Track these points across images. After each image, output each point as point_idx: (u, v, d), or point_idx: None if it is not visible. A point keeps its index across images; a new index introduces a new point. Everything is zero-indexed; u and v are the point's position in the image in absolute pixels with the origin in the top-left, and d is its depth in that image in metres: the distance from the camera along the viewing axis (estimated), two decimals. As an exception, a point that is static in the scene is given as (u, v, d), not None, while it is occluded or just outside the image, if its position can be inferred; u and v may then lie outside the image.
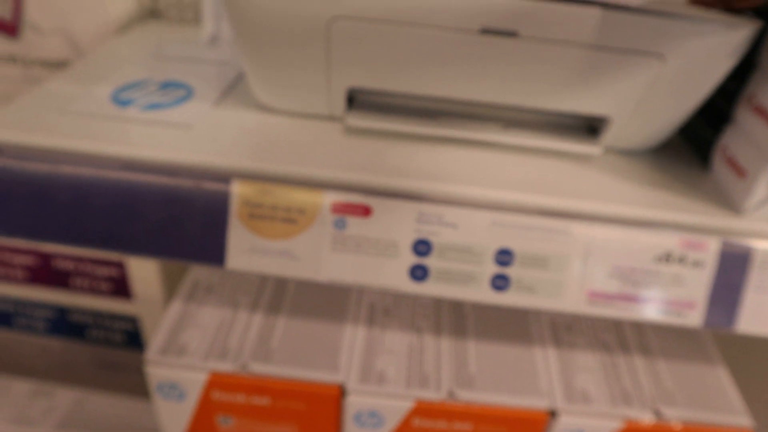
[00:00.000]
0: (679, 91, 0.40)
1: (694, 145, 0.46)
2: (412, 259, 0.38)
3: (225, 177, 0.39)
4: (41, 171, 0.39)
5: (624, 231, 0.38)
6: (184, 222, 0.39)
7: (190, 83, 0.49)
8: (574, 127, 0.45)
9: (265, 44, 0.40)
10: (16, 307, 0.83)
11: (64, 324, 0.84)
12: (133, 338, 0.84)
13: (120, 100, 0.45)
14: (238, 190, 0.38)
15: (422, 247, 0.38)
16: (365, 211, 0.38)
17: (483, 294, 0.39)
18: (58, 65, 0.64)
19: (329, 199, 0.38)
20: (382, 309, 0.51)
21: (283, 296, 0.51)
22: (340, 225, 0.38)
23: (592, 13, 0.36)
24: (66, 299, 0.80)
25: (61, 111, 0.43)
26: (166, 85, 0.48)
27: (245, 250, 0.39)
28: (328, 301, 0.51)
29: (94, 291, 0.78)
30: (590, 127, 0.45)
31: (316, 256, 0.39)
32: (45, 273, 0.78)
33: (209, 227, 0.39)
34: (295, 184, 0.38)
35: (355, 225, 0.38)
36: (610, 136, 0.43)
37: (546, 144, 0.42)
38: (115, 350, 0.86)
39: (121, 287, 0.77)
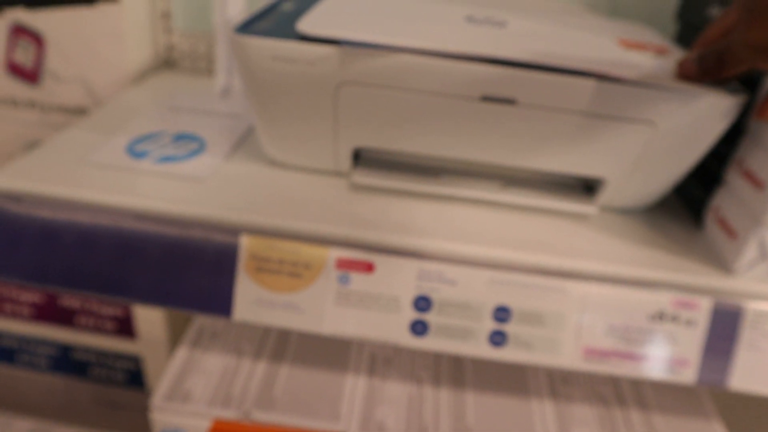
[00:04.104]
0: (670, 156, 0.41)
1: (687, 204, 0.48)
2: (412, 315, 0.39)
3: (234, 231, 0.40)
4: (57, 220, 0.41)
5: (618, 290, 0.39)
6: (193, 274, 0.41)
7: (203, 136, 0.51)
8: (571, 186, 0.46)
9: (275, 105, 0.42)
10: (20, 343, 0.84)
11: (67, 362, 0.84)
12: (135, 378, 0.84)
13: (135, 152, 0.47)
14: (246, 244, 0.40)
15: (422, 303, 0.39)
16: (368, 268, 0.39)
17: (481, 349, 0.40)
18: (75, 112, 0.66)
19: (334, 255, 0.39)
20: (382, 359, 0.52)
21: (286, 344, 0.52)
22: (343, 280, 0.39)
23: (587, 83, 0.38)
24: (70, 337, 0.81)
25: (78, 162, 0.45)
26: (180, 138, 0.50)
27: (252, 303, 0.40)
28: (330, 351, 0.52)
29: (98, 329, 0.79)
30: (587, 186, 0.47)
31: (320, 310, 0.40)
32: (50, 310, 0.79)
33: (217, 279, 0.40)
34: (301, 240, 0.40)
35: (359, 281, 0.39)
36: (605, 195, 0.44)
37: (543, 203, 0.44)
38: (116, 389, 0.86)
39: (125, 327, 0.78)
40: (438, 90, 0.39)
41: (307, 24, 0.39)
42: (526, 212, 0.44)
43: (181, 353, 0.50)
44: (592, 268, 0.40)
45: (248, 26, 0.41)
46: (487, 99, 0.39)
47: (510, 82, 0.38)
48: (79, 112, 0.66)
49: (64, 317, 0.79)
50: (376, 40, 0.37)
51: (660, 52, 0.43)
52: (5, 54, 0.64)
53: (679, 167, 0.42)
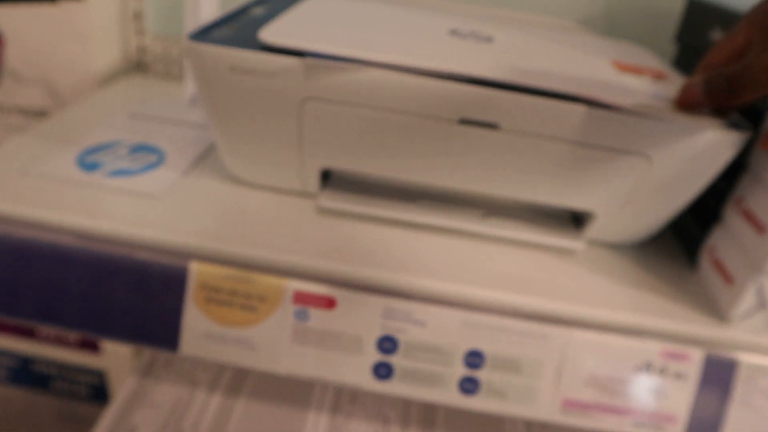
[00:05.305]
0: (665, 191, 0.38)
1: (681, 239, 0.45)
2: (376, 357, 0.36)
3: (183, 257, 0.36)
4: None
5: (603, 336, 0.36)
6: (136, 302, 0.37)
7: (163, 148, 0.47)
8: (557, 217, 0.43)
9: (234, 120, 0.38)
10: (-22, 354, 0.80)
11: (28, 374, 0.81)
12: (99, 392, 0.80)
13: (86, 163, 0.44)
14: (196, 272, 0.36)
15: (388, 344, 0.36)
16: (329, 303, 0.35)
17: (451, 397, 0.36)
18: (36, 114, 0.63)
19: (292, 287, 0.36)
20: (348, 396, 0.48)
21: (245, 376, 0.49)
22: (301, 316, 0.36)
23: (576, 109, 0.34)
24: (31, 348, 0.77)
25: (22, 172, 0.41)
26: (138, 149, 0.46)
27: (200, 337, 0.37)
28: (292, 385, 0.48)
29: (61, 342, 0.75)
30: (575, 218, 0.43)
31: (275, 348, 0.36)
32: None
33: (163, 309, 0.37)
34: (257, 270, 0.36)
35: (318, 317, 0.36)
36: (594, 229, 0.41)
37: (526, 237, 0.40)
38: (79, 404, 0.82)
39: (89, 340, 0.74)
40: (412, 110, 0.35)
41: (269, 32, 0.35)
42: (506, 245, 0.41)
43: (130, 383, 0.46)
44: (574, 312, 0.36)
45: (207, 32, 0.37)
46: (467, 122, 0.35)
47: (492, 104, 0.34)
48: (40, 114, 0.62)
49: (25, 328, 0.75)
50: (344, 52, 0.33)
51: (657, 76, 0.40)
52: (-36, 50, 0.61)
53: (674, 203, 0.39)
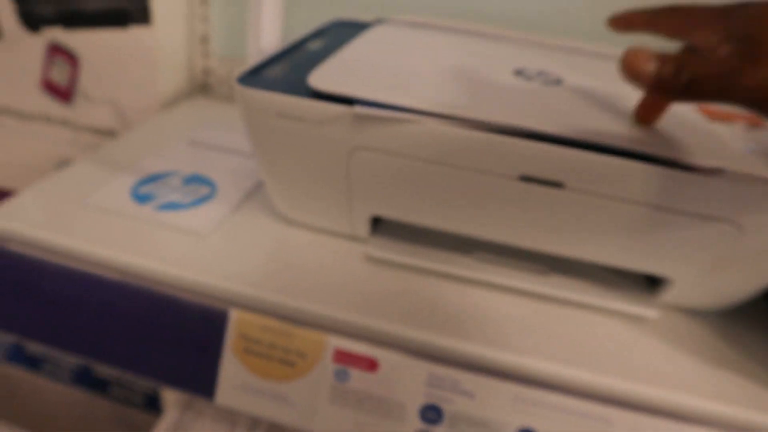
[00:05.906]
0: (757, 260, 0.33)
1: (773, 308, 0.39)
2: (418, 426, 0.33)
3: (224, 303, 0.35)
4: (38, 266, 0.37)
5: (676, 425, 0.32)
6: (173, 345, 0.36)
7: (216, 179, 0.46)
8: (628, 276, 0.39)
9: (282, 164, 0.37)
10: (45, 353, 0.83)
11: (88, 377, 0.83)
12: (152, 402, 0.82)
13: (139, 194, 0.43)
14: (236, 320, 0.35)
15: (431, 414, 0.33)
16: (371, 365, 0.33)
17: (498, 477, 0.33)
18: (105, 134, 0.64)
19: (332, 344, 0.34)
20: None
21: (286, 420, 0.47)
22: (342, 377, 0.33)
23: (653, 171, 0.30)
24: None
25: (77, 202, 0.42)
26: (191, 180, 0.46)
27: (237, 387, 0.35)
28: None
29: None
30: (649, 277, 0.39)
31: (312, 406, 0.34)
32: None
33: (201, 355, 0.35)
34: (298, 321, 0.34)
35: (359, 379, 0.33)
36: (670, 294, 0.37)
37: (591, 300, 0.36)
38: (135, 411, 0.84)
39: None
40: (468, 165, 0.32)
41: (318, 77, 0.33)
42: (569, 307, 0.37)
43: (169, 417, 0.46)
44: (644, 394, 0.32)
45: (258, 71, 0.36)
46: (528, 179, 0.32)
47: (556, 162, 0.31)
48: (109, 134, 0.63)
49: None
50: (395, 101, 0.31)
51: (752, 123, 0.36)
52: (42, 71, 0.63)
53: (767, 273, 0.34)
